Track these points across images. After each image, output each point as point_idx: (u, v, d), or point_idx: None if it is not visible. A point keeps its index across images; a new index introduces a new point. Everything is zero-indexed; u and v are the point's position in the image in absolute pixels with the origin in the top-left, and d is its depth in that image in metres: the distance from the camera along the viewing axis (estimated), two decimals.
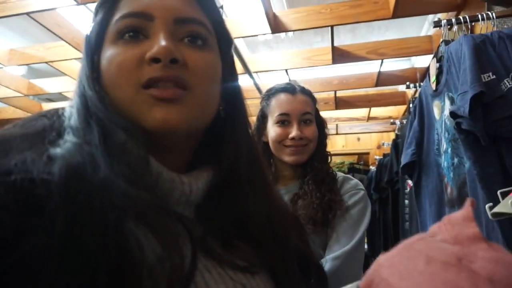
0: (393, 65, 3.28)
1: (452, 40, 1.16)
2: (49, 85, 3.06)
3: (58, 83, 3.02)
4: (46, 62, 2.48)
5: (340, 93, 3.40)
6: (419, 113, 1.33)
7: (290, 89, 1.08)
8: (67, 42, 2.22)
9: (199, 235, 0.39)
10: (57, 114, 0.38)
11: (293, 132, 1.02)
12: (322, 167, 1.04)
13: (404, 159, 1.33)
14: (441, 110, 1.18)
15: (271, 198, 0.48)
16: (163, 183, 0.38)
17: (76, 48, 2.28)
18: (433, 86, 1.23)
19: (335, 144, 4.54)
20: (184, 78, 0.39)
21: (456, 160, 1.07)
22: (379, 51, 2.52)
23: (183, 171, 0.42)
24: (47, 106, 3.66)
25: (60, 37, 2.17)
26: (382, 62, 2.69)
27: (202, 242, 0.39)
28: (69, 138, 0.34)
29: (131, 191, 0.31)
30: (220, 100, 0.46)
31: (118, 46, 0.40)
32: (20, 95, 3.09)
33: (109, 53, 0.40)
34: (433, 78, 1.23)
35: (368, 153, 4.46)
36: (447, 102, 1.12)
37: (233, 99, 0.48)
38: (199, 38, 0.42)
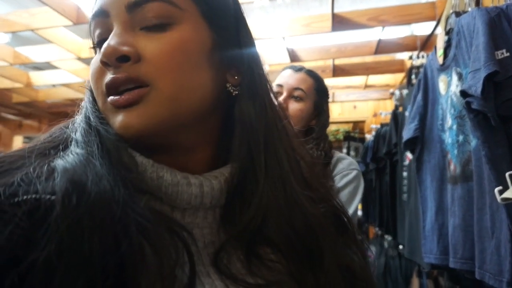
0: (392, 32, 3.19)
1: (463, 11, 1.11)
2: (35, 53, 2.92)
3: (45, 51, 2.88)
4: (31, 30, 2.35)
5: (337, 61, 3.33)
6: (424, 87, 1.30)
7: (295, 67, 1.12)
8: (52, 8, 2.09)
9: (214, 250, 0.37)
10: (71, 125, 0.38)
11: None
12: (313, 153, 1.03)
13: (407, 134, 1.32)
14: (447, 85, 1.15)
15: (293, 193, 0.41)
16: (167, 187, 0.35)
17: (62, 15, 2.16)
18: (440, 60, 1.19)
19: (331, 112, 4.50)
20: (139, 75, 0.34)
21: (461, 137, 1.06)
22: (380, 18, 2.44)
23: (205, 170, 0.39)
24: (35, 75, 3.53)
25: (44, 3, 2.05)
26: (383, 29, 2.60)
27: (216, 258, 0.36)
28: (73, 149, 0.34)
29: (129, 203, 0.30)
30: (223, 76, 0.40)
31: (96, 53, 0.38)
32: (6, 64, 2.96)
33: (92, 63, 0.38)
34: (440, 51, 1.19)
35: (364, 121, 4.45)
36: (455, 77, 1.09)
37: (242, 71, 0.41)
38: (157, 18, 0.36)
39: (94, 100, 0.38)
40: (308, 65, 3.30)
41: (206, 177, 0.38)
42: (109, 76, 0.35)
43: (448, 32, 1.15)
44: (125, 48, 0.34)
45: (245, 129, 0.40)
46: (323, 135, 1.09)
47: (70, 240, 0.26)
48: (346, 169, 1.01)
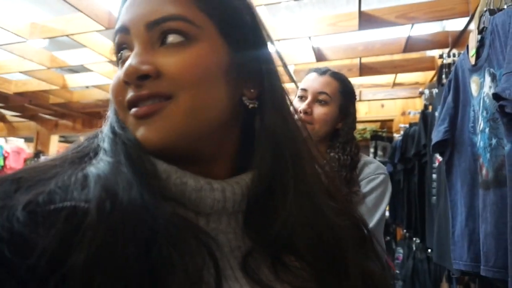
0: (421, 28, 3.09)
1: (498, 9, 1.06)
2: (71, 57, 3.06)
3: (79, 55, 3.02)
4: (67, 35, 2.47)
5: (364, 59, 3.27)
6: (454, 88, 1.26)
7: (320, 70, 1.11)
8: (85, 14, 2.19)
9: (241, 255, 0.37)
10: (100, 135, 0.39)
11: (302, 105, 1.05)
12: (340, 157, 1.02)
13: (436, 136, 1.29)
14: (479, 87, 1.11)
15: (319, 205, 0.41)
16: (191, 192, 0.36)
17: (95, 21, 2.25)
18: (472, 60, 1.15)
19: (358, 111, 4.42)
20: (159, 91, 0.36)
21: (494, 140, 1.02)
22: (409, 15, 2.37)
23: (228, 177, 0.40)
24: (70, 78, 3.70)
25: (78, 9, 2.15)
26: (412, 26, 2.53)
27: (244, 263, 0.37)
28: (103, 157, 0.35)
29: (157, 210, 0.31)
30: (240, 90, 0.41)
31: (119, 66, 0.40)
32: (43, 67, 3.12)
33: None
34: (472, 51, 1.15)
35: (392, 120, 4.34)
36: (488, 79, 1.05)
37: (261, 85, 0.42)
38: (174, 35, 0.37)
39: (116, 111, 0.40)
40: (334, 64, 3.26)
41: (228, 183, 0.39)
42: (130, 94, 0.37)
43: (481, 31, 1.11)
44: (145, 67, 0.36)
45: (268, 140, 0.41)
46: (350, 138, 1.08)
47: (107, 246, 0.28)
48: (373, 174, 1.00)
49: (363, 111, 4.37)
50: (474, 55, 1.13)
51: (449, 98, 1.27)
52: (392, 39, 2.91)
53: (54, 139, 5.83)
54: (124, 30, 0.38)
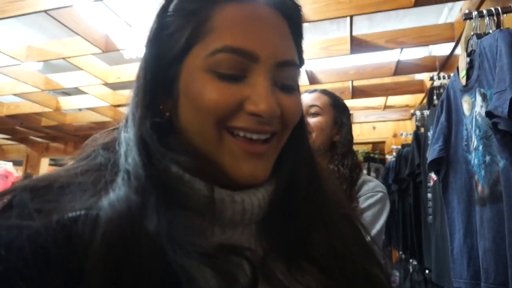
0: (410, 53, 3.20)
1: (484, 33, 1.12)
2: (65, 80, 3.08)
3: (74, 77, 3.03)
4: (63, 58, 2.49)
5: (356, 83, 3.35)
6: (447, 108, 1.30)
7: (309, 90, 1.15)
8: (83, 37, 2.22)
9: (259, 258, 0.38)
10: (113, 149, 0.37)
11: None
12: (339, 169, 1.03)
13: (431, 155, 1.31)
14: (471, 106, 1.15)
15: (333, 219, 0.43)
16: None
17: (92, 44, 2.28)
18: (463, 81, 1.19)
19: None
20: (274, 130, 0.38)
21: (488, 158, 1.05)
22: (398, 40, 2.46)
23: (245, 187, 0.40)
24: (64, 100, 3.70)
25: (76, 33, 2.18)
26: (401, 50, 2.62)
27: (262, 267, 0.37)
28: (122, 187, 0.32)
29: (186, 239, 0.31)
30: None
31: (213, 80, 0.36)
32: (38, 90, 3.13)
33: (201, 83, 0.36)
34: (463, 72, 1.19)
35: (384, 142, 4.40)
36: (479, 98, 1.09)
37: None
38: (292, 81, 0.39)
39: (161, 131, 0.37)
40: (326, 87, 3.32)
41: (246, 194, 0.38)
42: (253, 124, 0.36)
43: (470, 54, 1.16)
44: (279, 110, 0.37)
45: (290, 154, 0.42)
46: (348, 151, 1.09)
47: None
48: (371, 191, 1.01)
49: (355, 133, 4.39)
50: (465, 77, 1.18)
51: (442, 117, 1.31)
52: (382, 63, 3.01)
53: (45, 162, 5.74)
54: (252, 56, 0.36)
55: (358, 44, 2.50)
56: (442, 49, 2.77)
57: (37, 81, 3.07)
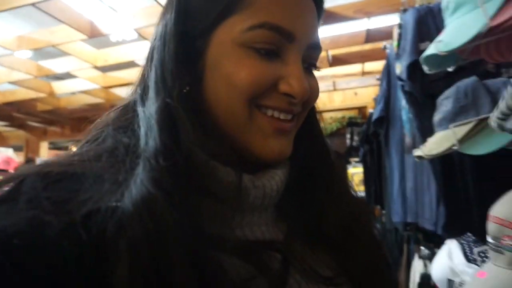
0: (382, 20, 3.35)
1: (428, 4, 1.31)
2: (56, 65, 3.25)
3: (64, 63, 3.20)
4: (53, 46, 2.65)
5: (334, 51, 3.52)
6: (387, 73, 1.52)
7: None
8: (69, 25, 2.38)
9: (281, 241, 0.38)
10: (125, 129, 0.34)
11: None
12: None
13: (375, 114, 1.54)
14: (401, 72, 1.37)
15: (344, 198, 0.43)
16: (234, 190, 0.34)
17: (78, 30, 2.45)
18: (396, 49, 1.40)
19: (333, 100, 4.71)
20: (299, 110, 0.38)
21: (410, 114, 1.28)
22: (366, 10, 2.62)
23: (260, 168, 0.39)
24: (57, 85, 3.87)
25: (62, 21, 2.34)
26: (369, 19, 2.79)
27: (288, 250, 0.36)
28: (144, 177, 0.28)
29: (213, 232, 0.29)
30: None
31: (250, 56, 0.35)
32: (31, 76, 3.30)
33: (236, 59, 0.35)
34: (395, 42, 1.40)
35: (365, 107, 4.62)
36: (403, 64, 1.30)
37: None
38: (315, 62, 0.40)
39: (194, 114, 0.34)
40: None
41: (266, 178, 0.37)
42: (284, 104, 0.36)
43: (400, 26, 1.37)
44: (308, 92, 0.37)
45: (305, 138, 0.42)
46: None
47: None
48: None
49: (338, 99, 4.64)
50: (397, 46, 1.39)
51: (384, 83, 1.53)
52: (355, 32, 3.17)
53: (44, 146, 5.96)
54: (290, 36, 0.35)
55: (328, 16, 2.65)
56: None
57: (30, 69, 3.24)
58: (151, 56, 0.37)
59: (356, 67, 4.15)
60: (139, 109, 0.34)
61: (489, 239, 0.64)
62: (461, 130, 0.78)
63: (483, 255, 0.71)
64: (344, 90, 4.60)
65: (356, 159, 4.04)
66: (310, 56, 0.38)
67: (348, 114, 5.03)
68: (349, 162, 4.20)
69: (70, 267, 0.24)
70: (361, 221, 0.43)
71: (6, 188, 0.28)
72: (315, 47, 0.39)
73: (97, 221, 0.26)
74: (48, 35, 2.63)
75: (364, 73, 4.15)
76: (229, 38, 0.35)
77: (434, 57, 0.70)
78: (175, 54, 0.35)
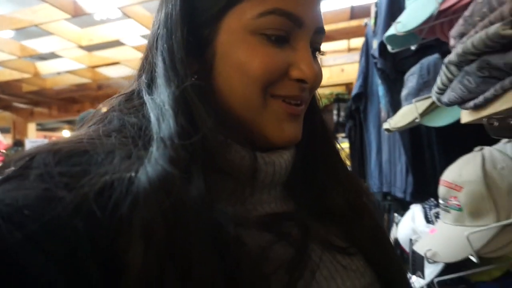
0: None
1: None
2: (40, 45, 3.20)
3: (48, 42, 3.16)
4: (35, 25, 2.62)
5: None
6: (365, 50, 1.57)
7: None
8: (51, 4, 2.35)
9: (295, 216, 0.39)
10: (133, 111, 0.35)
11: None
12: None
13: (354, 91, 1.61)
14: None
15: (345, 173, 0.45)
16: (248, 168, 0.36)
17: (60, 9, 2.41)
18: (373, 27, 1.45)
19: None
20: (308, 96, 0.39)
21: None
22: None
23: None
24: (41, 65, 3.82)
25: (45, 1, 2.31)
26: None
27: (300, 220, 0.37)
28: (158, 156, 0.28)
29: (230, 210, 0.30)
30: None
31: (262, 44, 0.35)
32: (14, 57, 3.25)
33: (248, 47, 0.35)
34: (372, 20, 1.45)
35: (352, 83, 4.67)
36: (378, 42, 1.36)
37: None
38: (319, 46, 0.40)
39: (206, 102, 0.34)
40: None
41: (275, 156, 0.38)
42: (295, 90, 0.37)
43: (376, 5, 1.41)
44: (319, 76, 0.38)
45: (308, 118, 0.43)
46: None
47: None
48: None
49: (325, 76, 4.64)
50: (374, 23, 1.44)
51: (362, 59, 1.58)
52: (340, 9, 3.19)
53: (32, 128, 5.91)
54: (298, 21, 0.36)
55: None
56: None
57: (13, 49, 3.19)
58: (155, 44, 0.36)
59: (342, 44, 4.17)
60: (146, 97, 0.34)
61: (440, 200, 0.73)
62: (423, 104, 0.85)
63: (437, 215, 0.79)
64: (331, 66, 4.64)
65: (343, 135, 4.14)
66: (316, 41, 0.39)
67: (335, 90, 5.08)
68: (336, 138, 4.29)
69: (83, 244, 0.24)
70: (360, 195, 0.44)
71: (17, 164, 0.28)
72: (321, 31, 0.39)
73: (112, 197, 0.25)
74: (30, 14, 2.58)
75: (350, 50, 4.18)
76: (239, 25, 0.35)
77: (395, 37, 0.76)
78: (183, 43, 0.35)
